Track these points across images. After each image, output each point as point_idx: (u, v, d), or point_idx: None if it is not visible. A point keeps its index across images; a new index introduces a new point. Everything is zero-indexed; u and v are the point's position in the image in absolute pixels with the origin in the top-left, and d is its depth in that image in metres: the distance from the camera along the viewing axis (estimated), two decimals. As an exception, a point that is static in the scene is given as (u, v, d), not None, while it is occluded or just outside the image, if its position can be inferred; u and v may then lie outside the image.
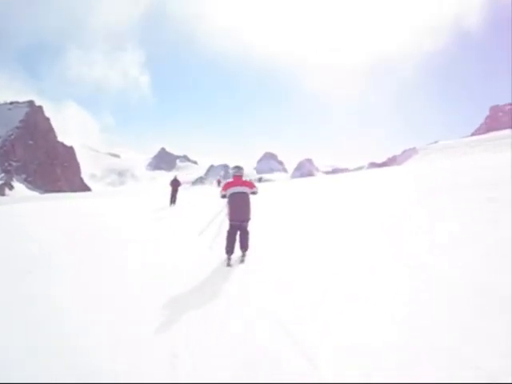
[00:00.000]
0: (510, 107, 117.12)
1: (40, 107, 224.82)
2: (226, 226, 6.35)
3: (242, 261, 5.95)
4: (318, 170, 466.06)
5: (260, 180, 52.26)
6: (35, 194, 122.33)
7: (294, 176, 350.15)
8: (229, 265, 5.76)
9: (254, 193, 6.32)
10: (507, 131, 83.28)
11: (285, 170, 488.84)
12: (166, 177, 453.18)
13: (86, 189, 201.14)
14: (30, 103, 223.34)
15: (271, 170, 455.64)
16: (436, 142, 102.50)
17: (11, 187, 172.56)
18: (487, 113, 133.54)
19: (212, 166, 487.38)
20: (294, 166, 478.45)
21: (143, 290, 4.69)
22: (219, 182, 40.69)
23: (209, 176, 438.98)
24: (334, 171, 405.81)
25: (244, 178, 6.41)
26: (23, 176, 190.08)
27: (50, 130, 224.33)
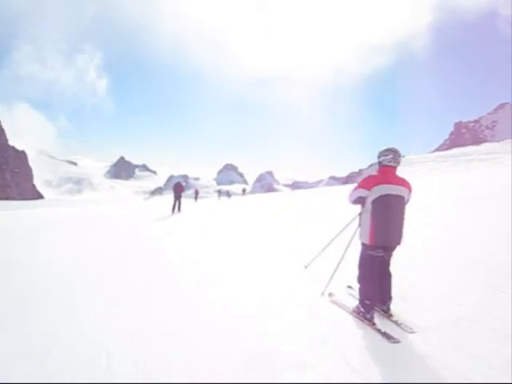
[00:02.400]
0: (473, 124, 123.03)
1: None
2: (351, 255, 3.91)
3: (398, 323, 3.31)
4: (278, 183, 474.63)
5: (228, 194, 45.50)
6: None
7: (254, 188, 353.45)
8: (385, 335, 3.07)
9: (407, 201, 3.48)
10: (470, 147, 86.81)
11: (245, 182, 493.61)
12: (125, 186, 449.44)
13: (39, 196, 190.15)
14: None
15: (231, 182, 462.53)
16: (403, 156, 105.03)
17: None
18: (452, 129, 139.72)
19: (172, 177, 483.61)
20: (255, 177, 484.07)
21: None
22: (196, 193, 35.06)
23: (168, 187, 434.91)
24: (294, 184, 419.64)
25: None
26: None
27: (0, 132, 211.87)
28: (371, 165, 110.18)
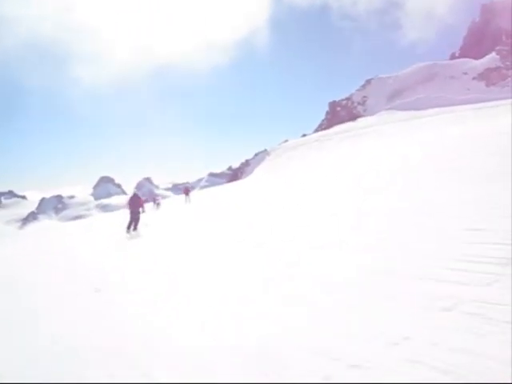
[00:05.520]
0: (345, 102, 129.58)
1: None
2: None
3: None
4: (158, 187, 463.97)
5: (156, 202, 35.13)
6: None
7: None
8: None
9: None
10: (348, 124, 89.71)
11: (124, 193, 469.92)
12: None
13: None
14: None
15: (109, 195, 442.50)
16: (286, 141, 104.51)
17: None
18: (327, 109, 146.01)
19: (44, 199, 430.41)
20: (133, 186, 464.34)
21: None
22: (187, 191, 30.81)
23: (42, 211, 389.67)
24: (175, 187, 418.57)
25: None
26: None
27: None
28: (256, 154, 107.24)
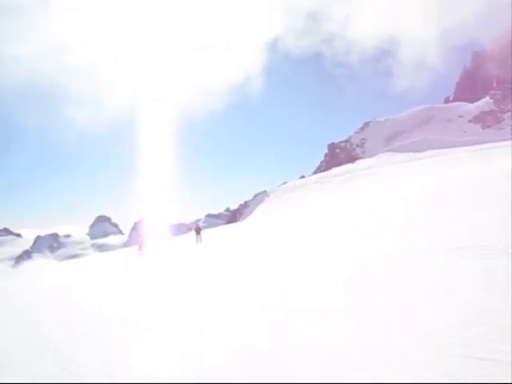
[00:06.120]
0: (344, 144, 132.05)
1: None
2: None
3: None
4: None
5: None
6: None
7: (131, 237, 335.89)
8: None
9: None
10: (347, 166, 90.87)
11: (121, 232, 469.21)
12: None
13: None
14: None
15: (106, 234, 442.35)
16: (285, 182, 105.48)
17: None
18: (325, 150, 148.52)
19: (39, 237, 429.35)
20: (130, 226, 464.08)
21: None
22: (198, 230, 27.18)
23: (37, 249, 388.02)
24: (172, 227, 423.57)
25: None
26: None
27: None
28: (255, 195, 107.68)
